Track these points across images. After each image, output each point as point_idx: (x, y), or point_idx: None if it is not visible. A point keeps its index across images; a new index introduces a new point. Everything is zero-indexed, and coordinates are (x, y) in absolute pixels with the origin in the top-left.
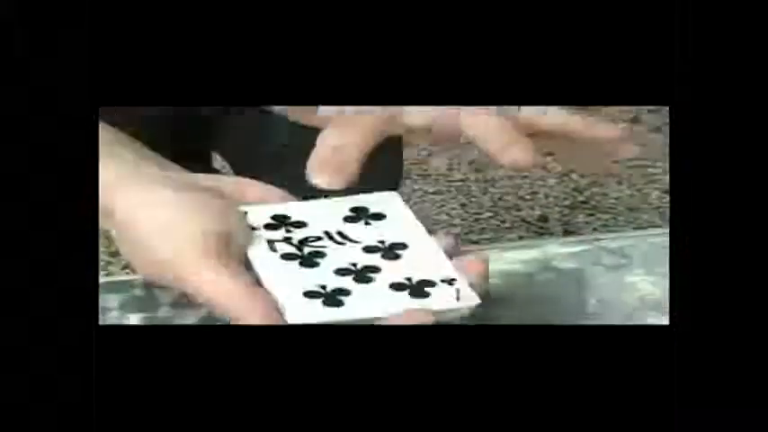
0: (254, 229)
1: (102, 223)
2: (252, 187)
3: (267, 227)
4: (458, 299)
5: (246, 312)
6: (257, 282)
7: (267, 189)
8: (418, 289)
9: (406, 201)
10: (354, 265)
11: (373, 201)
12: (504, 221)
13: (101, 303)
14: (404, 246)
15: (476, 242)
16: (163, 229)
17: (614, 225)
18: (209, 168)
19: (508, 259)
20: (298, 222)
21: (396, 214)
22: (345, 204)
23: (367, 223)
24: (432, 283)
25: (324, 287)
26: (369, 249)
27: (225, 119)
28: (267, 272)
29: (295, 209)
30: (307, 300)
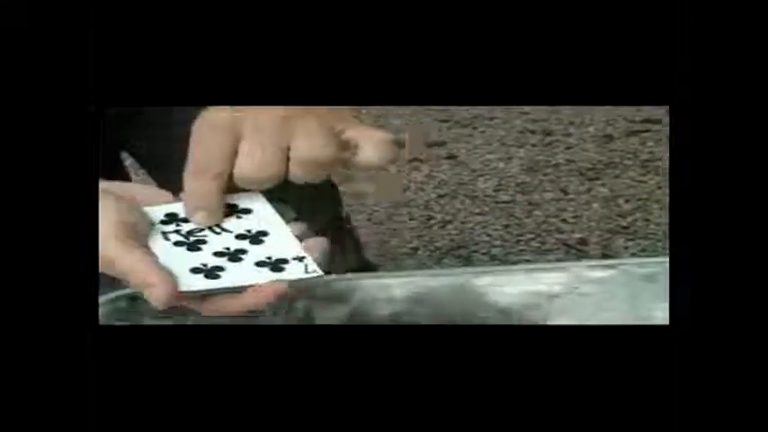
0: (152, 224)
1: None
2: (142, 190)
3: (162, 222)
4: (306, 272)
5: (153, 280)
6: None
7: (154, 191)
8: (276, 265)
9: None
10: (228, 248)
11: (242, 199)
12: (544, 243)
13: None
14: (265, 233)
15: (514, 263)
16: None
17: (653, 250)
18: (119, 167)
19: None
20: (184, 219)
21: (260, 208)
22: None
23: (238, 217)
24: (286, 261)
25: (205, 265)
26: (239, 237)
27: (133, 117)
28: (163, 254)
29: (183, 208)
30: (192, 274)
